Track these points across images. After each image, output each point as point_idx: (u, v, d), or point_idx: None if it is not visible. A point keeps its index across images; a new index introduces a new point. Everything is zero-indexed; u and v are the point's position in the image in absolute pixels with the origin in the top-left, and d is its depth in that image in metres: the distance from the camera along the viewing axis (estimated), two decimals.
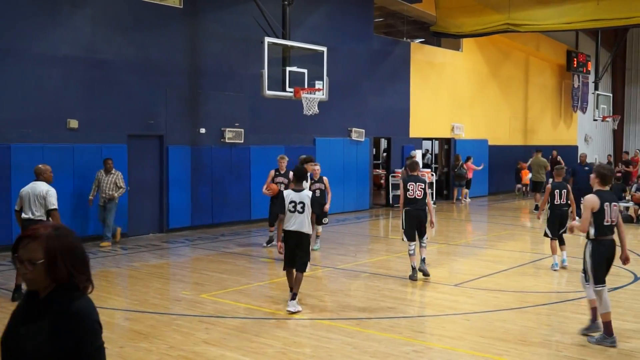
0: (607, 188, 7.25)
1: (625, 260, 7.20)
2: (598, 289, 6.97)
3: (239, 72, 16.56)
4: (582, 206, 7.18)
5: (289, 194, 8.50)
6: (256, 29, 14.56)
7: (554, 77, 31.75)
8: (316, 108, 14.60)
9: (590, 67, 32.01)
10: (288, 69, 14.34)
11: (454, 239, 15.23)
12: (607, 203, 7.02)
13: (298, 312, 8.22)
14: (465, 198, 23.62)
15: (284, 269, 8.65)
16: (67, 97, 13.47)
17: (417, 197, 10.03)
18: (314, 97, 14.54)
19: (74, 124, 13.49)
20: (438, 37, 23.96)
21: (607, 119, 29.36)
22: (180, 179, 15.52)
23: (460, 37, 23.85)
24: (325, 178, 12.69)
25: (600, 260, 7.00)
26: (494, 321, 8.03)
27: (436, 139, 25.38)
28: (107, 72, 14.11)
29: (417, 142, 23.01)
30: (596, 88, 29.08)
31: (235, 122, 16.61)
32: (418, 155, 21.21)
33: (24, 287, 7.23)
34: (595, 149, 34.50)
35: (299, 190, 8.51)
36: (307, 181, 13.41)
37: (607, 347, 6.86)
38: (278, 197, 12.14)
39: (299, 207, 8.35)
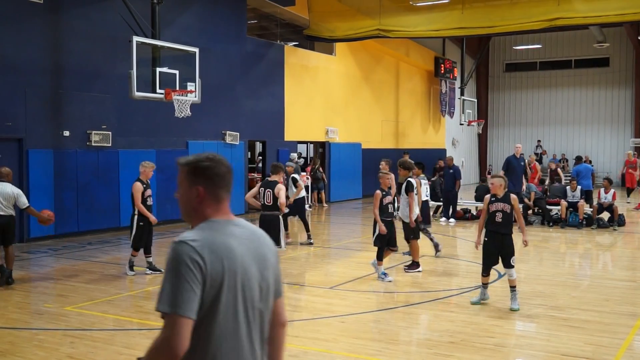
0: (275, 178, 10.25)
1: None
2: None
3: (106, 72, 16.00)
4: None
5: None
6: (124, 28, 14.14)
7: (423, 82, 33.19)
8: (189, 110, 14.39)
9: (457, 73, 33.73)
10: (158, 69, 14.03)
11: (328, 241, 15.51)
12: (262, 188, 10.06)
13: None
14: (319, 202, 23.80)
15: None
16: None
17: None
18: (186, 99, 14.33)
19: None
20: (311, 40, 24.40)
21: (473, 124, 30.97)
22: (41, 185, 14.74)
23: (333, 41, 24.43)
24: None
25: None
26: (368, 322, 8.27)
27: (311, 142, 25.77)
28: None
29: (293, 146, 23.25)
30: (462, 93, 30.69)
31: (102, 125, 16.04)
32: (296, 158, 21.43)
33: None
34: (462, 152, 36.41)
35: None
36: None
37: None
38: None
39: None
